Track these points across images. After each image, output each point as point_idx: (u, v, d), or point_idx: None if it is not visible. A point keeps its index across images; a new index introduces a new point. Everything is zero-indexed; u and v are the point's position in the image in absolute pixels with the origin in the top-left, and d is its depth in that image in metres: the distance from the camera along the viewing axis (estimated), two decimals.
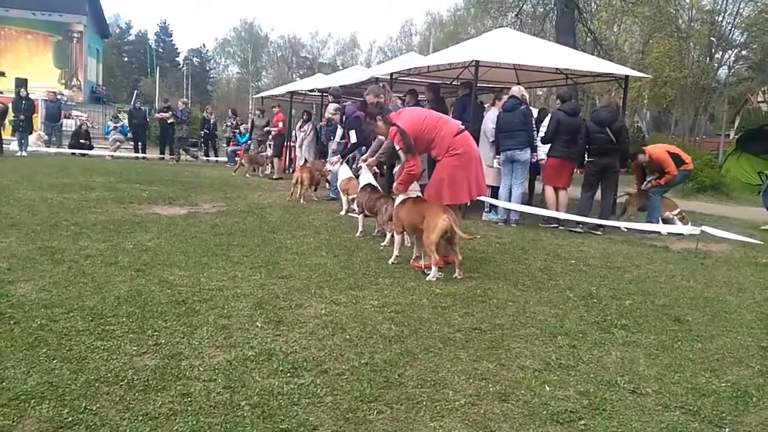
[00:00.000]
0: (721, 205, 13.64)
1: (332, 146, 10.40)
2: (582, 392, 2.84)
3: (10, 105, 16.81)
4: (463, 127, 5.44)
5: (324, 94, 14.33)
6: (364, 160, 8.08)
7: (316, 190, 10.14)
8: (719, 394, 2.92)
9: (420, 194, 5.27)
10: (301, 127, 13.17)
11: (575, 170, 8.26)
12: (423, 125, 5.16)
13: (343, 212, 8.18)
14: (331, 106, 10.29)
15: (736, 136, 24.40)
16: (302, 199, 9.40)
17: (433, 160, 5.48)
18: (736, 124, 33.63)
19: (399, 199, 5.33)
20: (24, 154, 15.99)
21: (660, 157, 8.34)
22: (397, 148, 5.16)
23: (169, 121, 18.60)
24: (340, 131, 10.11)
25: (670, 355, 3.43)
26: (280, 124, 14.42)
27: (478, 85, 9.20)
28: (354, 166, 9.14)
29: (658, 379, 3.06)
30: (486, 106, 10.06)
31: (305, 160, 12.20)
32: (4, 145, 15.91)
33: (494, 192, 8.45)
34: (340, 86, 13.00)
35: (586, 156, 8.04)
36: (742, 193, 15.88)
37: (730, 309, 4.50)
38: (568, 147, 8.07)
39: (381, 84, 7.63)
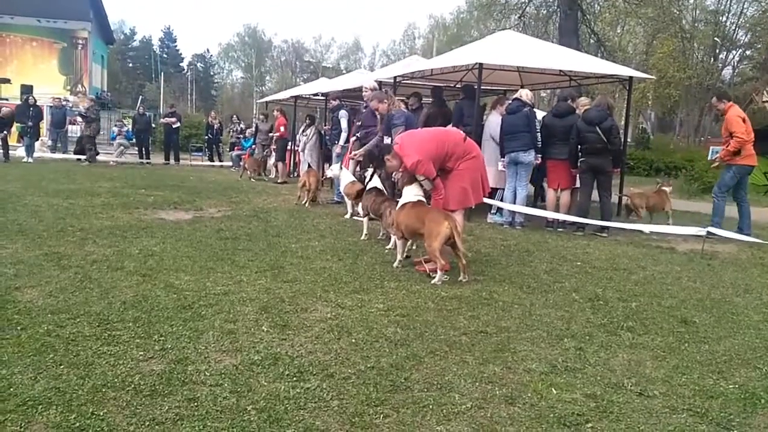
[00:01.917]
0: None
1: (336, 150, 10.41)
2: (589, 395, 2.83)
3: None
4: (463, 133, 5.54)
5: (327, 98, 14.37)
6: (354, 156, 8.10)
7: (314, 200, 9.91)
8: (727, 396, 2.91)
9: (422, 199, 5.26)
10: (303, 131, 13.19)
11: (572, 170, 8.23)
12: (434, 144, 5.19)
13: (347, 216, 8.19)
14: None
15: None
16: (308, 204, 9.41)
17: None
18: None
19: (400, 203, 5.34)
20: (30, 160, 16.06)
21: (730, 118, 7.88)
22: (423, 178, 5.18)
23: (174, 126, 18.67)
24: (344, 135, 10.11)
25: (677, 357, 3.41)
26: (282, 128, 14.46)
27: (482, 87, 9.19)
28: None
29: (666, 381, 3.05)
30: (487, 110, 10.06)
31: (308, 164, 12.22)
32: (10, 152, 15.99)
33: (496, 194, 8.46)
34: (344, 89, 13.05)
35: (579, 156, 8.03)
36: (748, 194, 15.81)
37: (737, 310, 4.48)
38: (560, 148, 8.07)
39: (384, 90, 7.62)
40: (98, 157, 17.97)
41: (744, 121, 7.88)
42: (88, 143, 17.09)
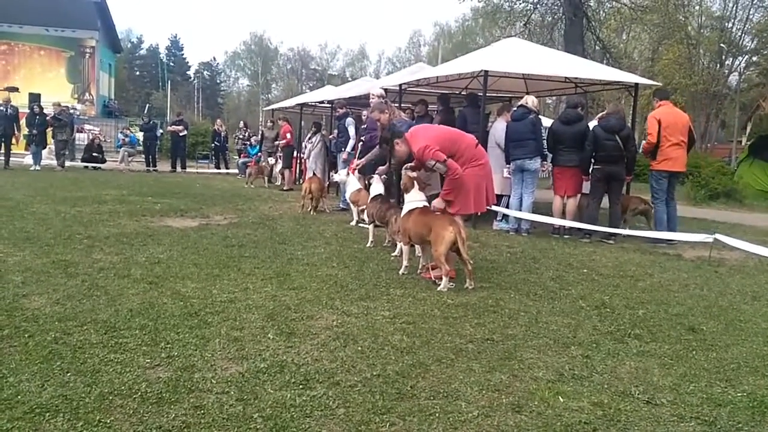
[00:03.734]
0: (733, 212, 13.52)
1: (342, 156, 10.44)
2: (596, 403, 2.81)
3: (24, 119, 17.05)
4: (477, 139, 5.51)
5: (333, 106, 14.43)
6: (356, 168, 8.13)
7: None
8: (735, 404, 2.89)
9: (427, 204, 5.26)
10: (309, 138, 13.23)
11: (582, 177, 8.20)
12: (444, 139, 5.17)
13: (353, 223, 8.20)
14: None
15: (748, 143, 24.22)
16: (312, 211, 9.43)
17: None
18: (748, 130, 33.43)
19: (405, 209, 5.33)
20: (38, 168, 16.17)
21: (648, 118, 7.84)
22: (433, 163, 5.03)
23: (181, 134, 18.76)
24: (351, 142, 10.14)
25: (685, 364, 3.39)
26: (288, 136, 14.51)
27: (487, 95, 9.20)
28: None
29: (673, 389, 3.03)
30: (491, 117, 10.06)
31: (313, 172, 12.26)
32: (18, 159, 16.10)
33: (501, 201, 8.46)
34: (350, 97, 13.11)
35: (592, 163, 8.01)
36: (756, 200, 15.74)
37: (745, 318, 4.45)
38: (568, 155, 8.06)
39: (383, 100, 7.63)
40: (104, 165, 18.09)
41: (659, 123, 7.76)
42: (63, 149, 17.06)
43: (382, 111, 6.70)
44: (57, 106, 17.82)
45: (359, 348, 3.38)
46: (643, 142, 8.20)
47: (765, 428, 2.67)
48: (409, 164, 5.54)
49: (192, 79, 69.86)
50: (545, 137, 8.57)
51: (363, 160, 7.97)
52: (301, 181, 15.25)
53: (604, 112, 8.65)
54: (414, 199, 5.26)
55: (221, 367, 3.03)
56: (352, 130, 10.17)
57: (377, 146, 7.91)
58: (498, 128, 8.67)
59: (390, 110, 6.76)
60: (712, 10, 33.13)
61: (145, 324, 3.60)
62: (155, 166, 18.70)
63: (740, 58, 32.91)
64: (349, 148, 10.18)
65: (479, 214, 6.50)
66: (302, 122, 18.03)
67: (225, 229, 7.28)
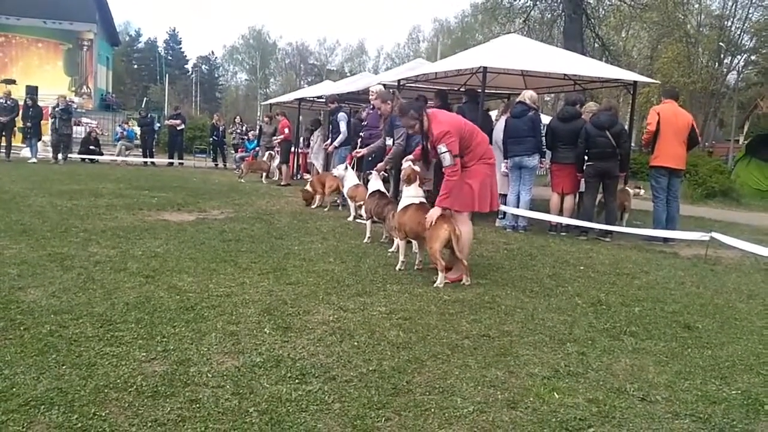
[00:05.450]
0: (730, 211, 13.55)
1: (328, 148, 10.51)
2: (591, 400, 2.82)
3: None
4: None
5: (326, 102, 14.43)
6: (357, 154, 8.12)
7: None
8: (730, 401, 2.90)
9: (424, 201, 5.25)
10: (312, 135, 13.27)
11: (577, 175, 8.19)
12: (464, 130, 5.05)
13: (350, 218, 8.19)
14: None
15: (746, 142, 24.26)
16: (319, 204, 9.43)
17: (439, 168, 5.43)
18: (746, 129, 33.48)
19: (402, 204, 5.32)
20: (35, 160, 16.13)
21: (650, 112, 7.87)
22: (445, 149, 4.82)
23: (178, 128, 18.73)
24: (341, 137, 10.16)
25: (680, 362, 3.40)
26: (286, 131, 14.50)
27: (486, 91, 9.19)
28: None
29: (668, 386, 3.04)
30: (495, 113, 10.04)
31: (314, 167, 12.28)
32: (15, 152, 16.04)
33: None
34: (349, 92, 13.12)
35: (585, 160, 8.00)
36: (752, 199, 15.78)
37: (741, 316, 4.46)
38: (565, 152, 8.06)
39: (390, 90, 7.64)
40: (101, 158, 18.06)
41: (659, 115, 7.79)
42: (67, 141, 16.93)
43: (386, 101, 6.68)
44: (63, 98, 17.74)
45: (355, 343, 3.38)
46: (643, 133, 8.20)
47: (759, 426, 2.68)
48: (410, 156, 5.53)
49: (190, 73, 69.77)
50: (544, 134, 8.56)
51: (365, 149, 7.96)
52: (299, 176, 15.27)
53: (583, 107, 8.58)
54: (412, 194, 5.24)
55: (217, 361, 3.03)
56: (343, 126, 10.17)
57: (378, 140, 7.92)
58: (500, 126, 8.64)
59: (396, 102, 6.74)
60: (712, 9, 33.19)
61: (141, 317, 3.60)
62: (152, 159, 18.67)
63: (739, 56, 32.97)
64: (336, 143, 10.19)
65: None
66: (300, 117, 18.01)
67: (222, 224, 7.27)
